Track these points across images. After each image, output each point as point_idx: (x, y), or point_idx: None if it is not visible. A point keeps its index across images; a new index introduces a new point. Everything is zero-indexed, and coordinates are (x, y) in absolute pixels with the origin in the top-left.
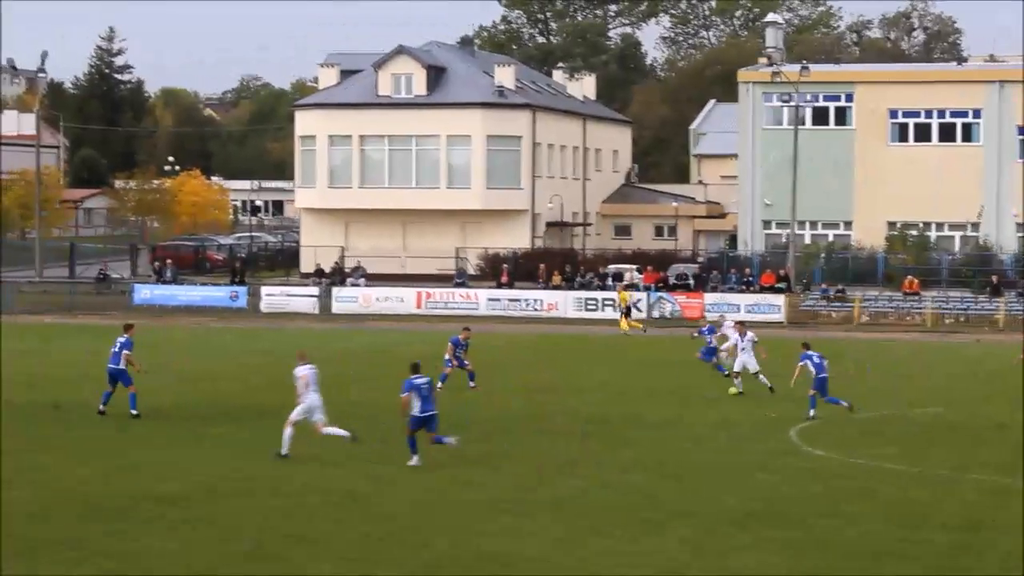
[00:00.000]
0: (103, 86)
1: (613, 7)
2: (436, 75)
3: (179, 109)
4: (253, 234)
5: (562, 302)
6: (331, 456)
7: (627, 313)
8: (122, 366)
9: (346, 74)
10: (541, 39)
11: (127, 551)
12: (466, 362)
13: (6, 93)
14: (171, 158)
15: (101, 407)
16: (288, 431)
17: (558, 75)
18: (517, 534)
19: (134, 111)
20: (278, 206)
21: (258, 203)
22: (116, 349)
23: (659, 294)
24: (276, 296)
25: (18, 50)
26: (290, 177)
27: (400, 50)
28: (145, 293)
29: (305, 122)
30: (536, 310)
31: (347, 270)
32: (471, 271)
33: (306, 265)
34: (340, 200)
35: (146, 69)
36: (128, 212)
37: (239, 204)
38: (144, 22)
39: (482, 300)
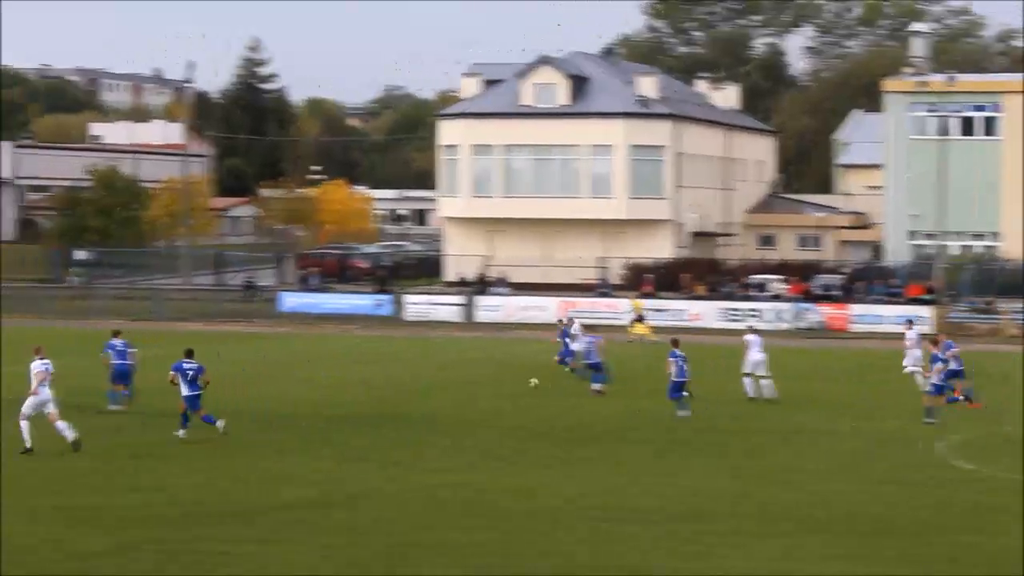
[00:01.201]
0: (249, 96)
1: (757, 17)
2: (579, 85)
3: (324, 119)
4: (397, 243)
5: (706, 312)
6: (461, 462)
7: (639, 320)
8: (129, 362)
9: (489, 84)
10: (684, 49)
11: (261, 553)
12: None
13: (154, 103)
14: (316, 167)
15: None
16: (24, 424)
17: (701, 85)
18: (643, 543)
19: (279, 121)
20: (421, 215)
21: (402, 212)
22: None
23: (804, 305)
24: (420, 304)
25: (165, 60)
26: (433, 186)
27: (543, 60)
28: (291, 301)
29: (448, 132)
30: (680, 320)
31: (490, 279)
32: (614, 281)
33: (449, 274)
34: (483, 209)
35: (291, 79)
36: (274, 221)
37: (383, 213)
38: (290, 32)
39: (625, 309)
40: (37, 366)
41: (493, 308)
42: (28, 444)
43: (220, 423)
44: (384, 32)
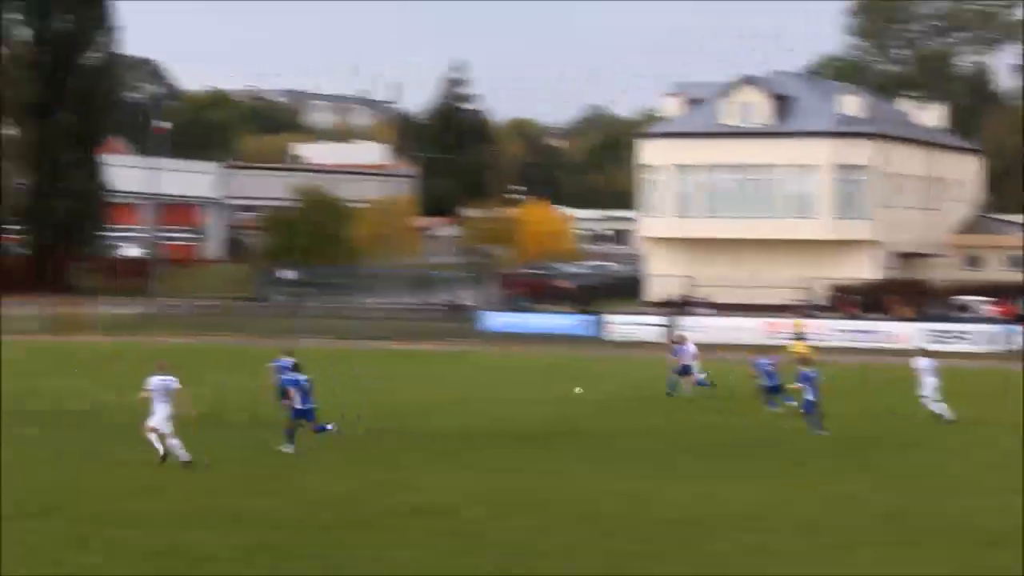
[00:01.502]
0: (452, 116)
1: (962, 34)
2: (781, 104)
3: (526, 139)
4: (598, 262)
5: (913, 334)
6: (579, 470)
7: (800, 339)
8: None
9: (691, 103)
10: (887, 67)
11: (380, 558)
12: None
13: (359, 124)
14: (518, 187)
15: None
16: (152, 436)
17: (905, 104)
18: (762, 551)
19: (482, 141)
20: (623, 235)
21: (603, 232)
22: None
23: (1014, 327)
24: (623, 324)
25: (372, 82)
26: (635, 206)
27: (746, 79)
28: (492, 320)
29: (650, 151)
30: (885, 342)
31: (692, 299)
32: (818, 301)
33: (651, 294)
34: (685, 229)
35: (493, 99)
36: (476, 240)
37: (584, 233)
38: (492, 53)
39: (830, 331)
40: (156, 383)
41: (696, 329)
42: (161, 452)
43: (332, 426)
44: (587, 52)
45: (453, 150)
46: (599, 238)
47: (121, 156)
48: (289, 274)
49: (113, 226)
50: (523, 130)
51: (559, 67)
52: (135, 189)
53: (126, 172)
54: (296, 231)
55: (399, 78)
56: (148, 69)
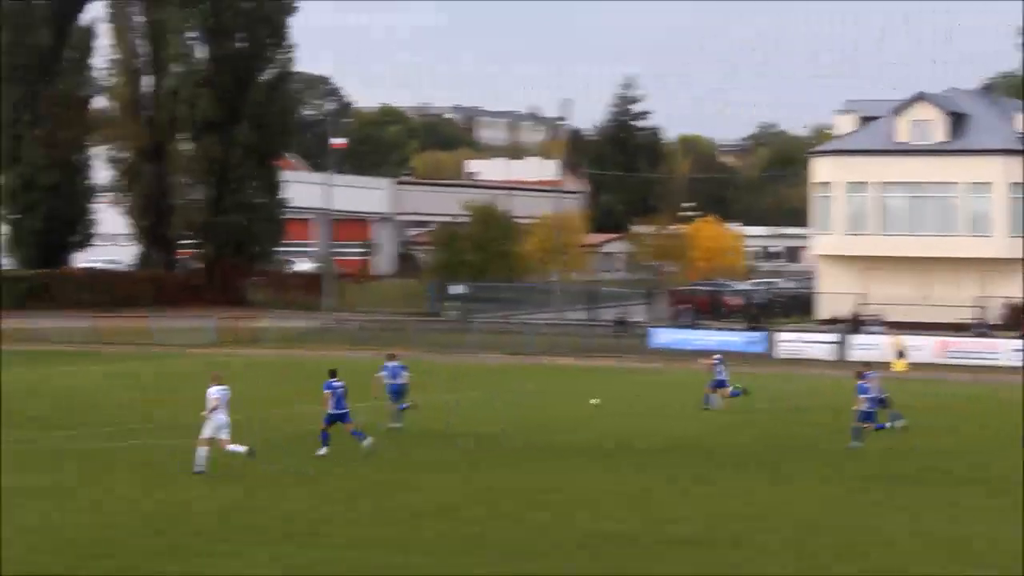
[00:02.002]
0: (621, 133)
1: None
2: (956, 121)
3: (696, 155)
4: (769, 279)
5: None
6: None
7: (901, 355)
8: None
9: (864, 121)
10: None
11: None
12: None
13: (529, 140)
14: (688, 204)
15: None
16: (202, 450)
17: None
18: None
19: (652, 158)
20: (794, 252)
21: (774, 249)
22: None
23: None
24: (792, 342)
25: (541, 98)
26: (806, 223)
27: (920, 96)
28: (662, 337)
29: (822, 169)
30: None
31: (864, 317)
32: (992, 321)
33: (822, 312)
34: (857, 247)
35: (664, 117)
36: (646, 257)
37: (755, 250)
38: (663, 70)
39: (1005, 350)
40: (214, 392)
41: (867, 347)
42: (201, 467)
43: (368, 440)
44: (758, 69)
45: (624, 166)
46: (770, 255)
47: (295, 172)
48: (460, 289)
49: (287, 241)
50: (694, 147)
51: (730, 84)
52: (309, 204)
53: (300, 188)
54: (467, 247)
55: (570, 94)
56: (323, 86)
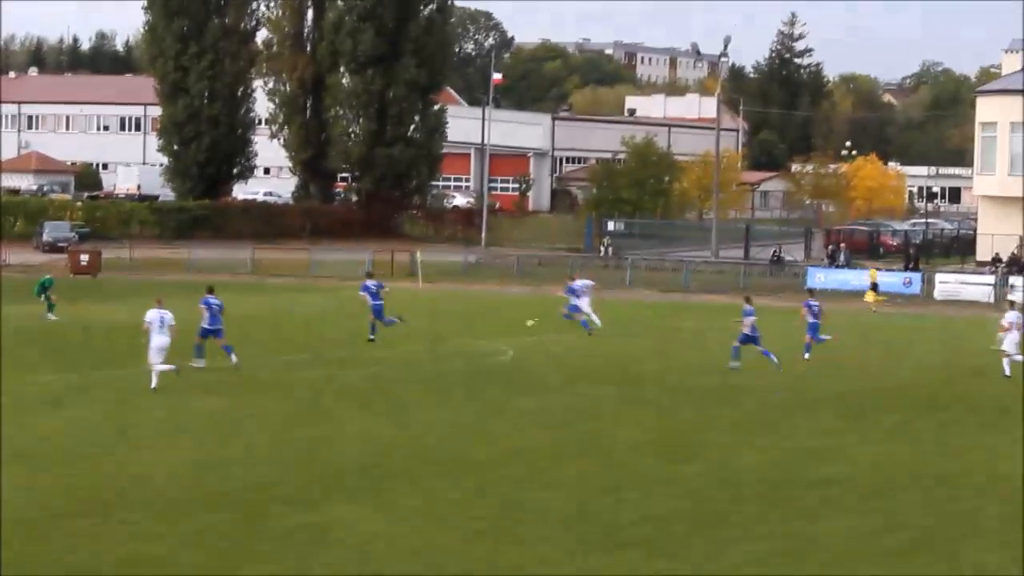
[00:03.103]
0: (783, 71)
1: None
2: None
3: (858, 94)
4: (928, 220)
5: None
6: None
7: (873, 288)
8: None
9: None
10: None
11: (799, 533)
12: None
13: (689, 77)
14: (848, 143)
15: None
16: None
17: None
18: None
19: (812, 96)
20: (955, 193)
21: (934, 189)
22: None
23: None
24: (950, 284)
25: (702, 35)
26: (969, 164)
27: None
28: (819, 277)
29: (987, 109)
30: None
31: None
32: None
33: (982, 253)
34: (1020, 188)
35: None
36: (803, 196)
37: (915, 190)
38: (826, 8)
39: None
40: (152, 315)
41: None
42: (153, 384)
43: (235, 359)
44: (924, 9)
45: (784, 104)
46: (931, 195)
47: (455, 106)
48: (615, 226)
49: (444, 175)
50: (855, 85)
51: (894, 22)
52: (467, 139)
53: (459, 122)
54: (624, 183)
55: (731, 31)
56: (484, 21)
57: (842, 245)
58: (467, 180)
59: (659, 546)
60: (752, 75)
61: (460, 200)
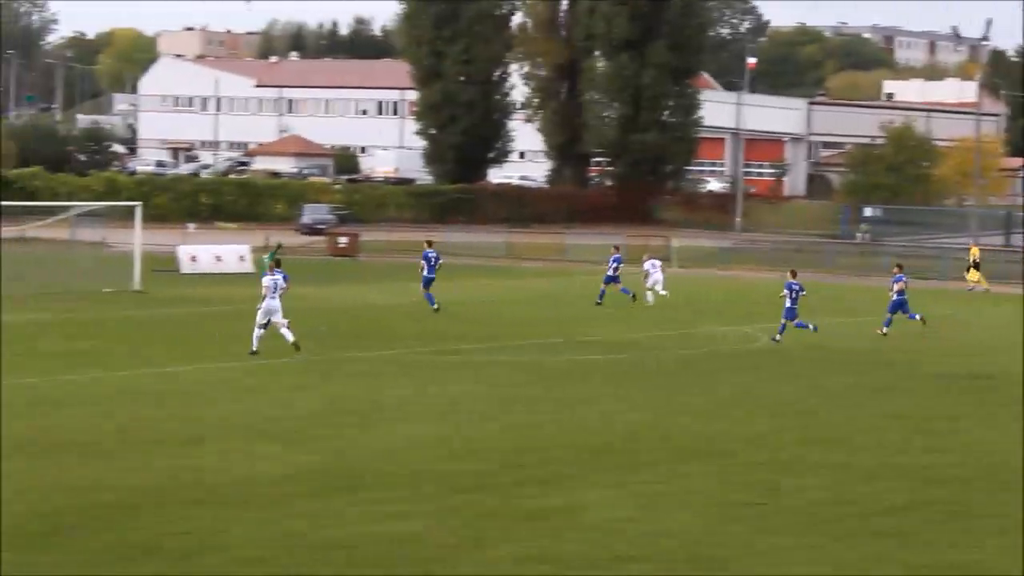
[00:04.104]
0: None
1: None
2: None
3: None
4: None
5: None
6: None
7: (975, 267)
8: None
9: None
10: None
11: None
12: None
13: (949, 61)
14: None
15: None
16: (256, 332)
17: None
18: None
19: None
20: None
21: None
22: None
23: None
24: None
25: (963, 18)
26: None
27: None
28: None
29: None
30: None
31: None
32: None
33: None
34: None
35: None
36: None
37: None
38: None
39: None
40: (267, 280)
41: None
42: (254, 348)
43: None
44: None
45: None
46: None
47: (709, 91)
48: (872, 212)
49: (699, 160)
50: None
51: None
52: (721, 124)
53: (713, 107)
54: (881, 169)
55: (990, 13)
56: (740, 4)
57: None
58: (722, 165)
59: (913, 535)
60: (1014, 58)
61: (714, 185)
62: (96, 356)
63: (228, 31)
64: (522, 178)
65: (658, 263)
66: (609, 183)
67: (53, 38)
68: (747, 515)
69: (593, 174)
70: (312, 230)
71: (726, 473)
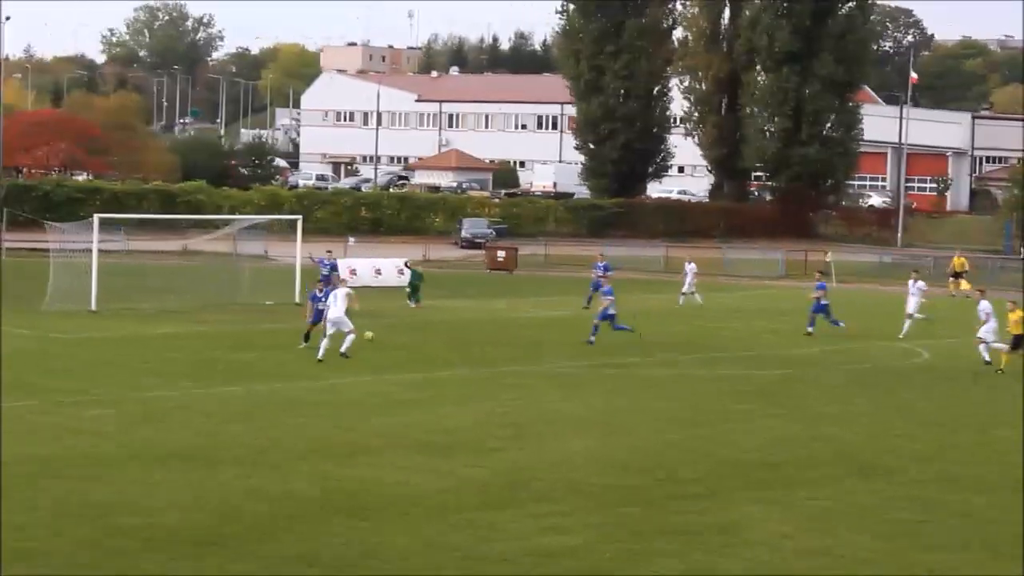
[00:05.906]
0: None
1: None
2: None
3: None
4: None
5: None
6: None
7: (959, 275)
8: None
9: None
10: None
11: None
12: None
13: None
14: None
15: None
16: (323, 341)
17: None
18: None
19: None
20: None
21: None
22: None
23: None
24: None
25: None
26: None
27: None
28: None
29: None
30: None
31: None
32: None
33: None
34: None
35: None
36: None
37: None
38: None
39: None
40: (342, 290)
41: None
42: (320, 356)
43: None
44: None
45: None
46: None
47: (872, 105)
48: None
49: (860, 175)
50: None
51: None
52: (883, 138)
53: (875, 121)
54: None
55: None
56: (904, 18)
57: None
58: (883, 180)
59: None
60: None
61: (876, 200)
62: (255, 367)
63: (390, 46)
64: (680, 192)
65: (923, 286)
66: (769, 197)
67: (218, 54)
68: (911, 531)
69: (752, 188)
70: (471, 244)
71: (887, 489)
